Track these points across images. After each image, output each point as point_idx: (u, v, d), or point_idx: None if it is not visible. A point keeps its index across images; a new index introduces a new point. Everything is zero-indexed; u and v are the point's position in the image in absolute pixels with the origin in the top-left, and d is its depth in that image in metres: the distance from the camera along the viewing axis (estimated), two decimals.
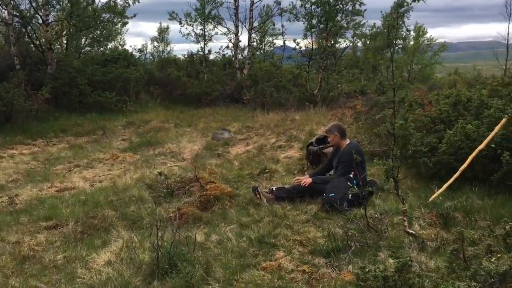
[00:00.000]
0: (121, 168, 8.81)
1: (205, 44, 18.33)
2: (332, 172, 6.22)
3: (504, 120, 4.93)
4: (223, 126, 11.80)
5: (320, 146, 7.57)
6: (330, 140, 6.06)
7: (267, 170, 7.50)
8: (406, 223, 4.10)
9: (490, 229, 3.30)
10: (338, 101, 12.58)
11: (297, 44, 15.76)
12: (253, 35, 19.01)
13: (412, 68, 33.22)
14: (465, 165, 4.95)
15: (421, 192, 5.48)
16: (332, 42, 15.05)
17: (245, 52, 19.34)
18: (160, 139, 10.96)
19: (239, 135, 10.81)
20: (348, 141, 6.05)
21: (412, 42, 33.81)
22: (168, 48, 33.04)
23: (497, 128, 4.94)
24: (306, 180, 5.94)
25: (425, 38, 35.44)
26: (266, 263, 4.10)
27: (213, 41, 18.33)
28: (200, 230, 5.08)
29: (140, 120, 13.26)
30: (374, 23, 27.29)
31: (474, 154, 4.96)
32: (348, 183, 5.55)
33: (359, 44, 26.55)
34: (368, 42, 27.64)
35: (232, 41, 18.32)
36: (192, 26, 18.27)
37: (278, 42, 21.31)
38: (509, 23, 26.24)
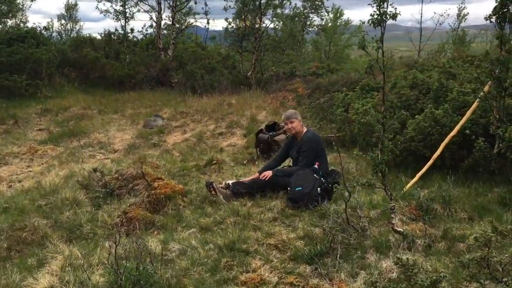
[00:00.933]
0: (42, 164, 7.73)
1: (126, 22, 16.96)
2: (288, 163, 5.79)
3: (475, 103, 4.77)
4: (154, 112, 10.92)
5: (271, 134, 7.10)
6: (293, 127, 5.54)
7: (214, 161, 6.90)
8: (394, 221, 3.76)
9: (493, 226, 3.02)
10: (273, 84, 12.17)
11: (229, 23, 15.06)
12: (177, 14, 17.92)
13: (330, 49, 33.93)
14: (438, 152, 4.73)
15: (390, 182, 5.21)
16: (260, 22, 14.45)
17: (165, 31, 18.24)
18: (85, 128, 9.85)
19: (174, 121, 10.03)
20: (305, 129, 5.61)
21: (330, 24, 34.61)
22: (78, 27, 30.47)
23: (468, 112, 4.77)
24: (266, 173, 5.44)
25: (342, 20, 36.33)
26: (245, 275, 3.57)
27: (135, 19, 16.96)
28: (155, 237, 4.41)
29: (58, 107, 11.90)
30: (296, 4, 27.33)
31: (447, 140, 4.76)
32: (315, 175, 5.16)
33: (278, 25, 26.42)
34: (291, 23, 27.63)
35: (155, 19, 17.14)
36: (111, 2, 16.78)
37: (200, 22, 20.25)
38: (422, 6, 27.49)
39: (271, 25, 20.71)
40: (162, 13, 17.03)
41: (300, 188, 5.00)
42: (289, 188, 5.15)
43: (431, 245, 3.77)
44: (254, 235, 4.29)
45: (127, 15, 16.93)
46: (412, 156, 5.34)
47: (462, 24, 32.03)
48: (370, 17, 3.50)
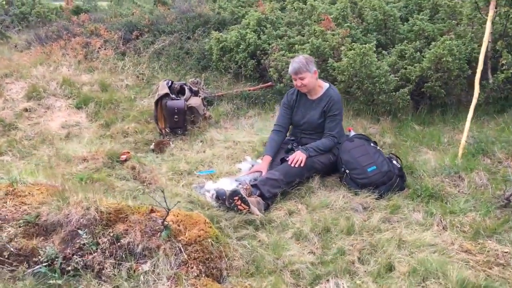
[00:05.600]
0: None
1: None
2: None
3: (489, 27, 4.34)
4: None
5: (183, 99, 4.87)
6: (304, 84, 3.81)
7: (124, 157, 4.26)
8: None
9: None
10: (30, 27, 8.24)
11: None
12: None
13: None
14: (477, 92, 4.16)
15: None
16: None
17: None
18: None
19: None
20: (324, 83, 4.01)
21: None
22: None
23: (486, 39, 4.33)
24: (296, 156, 3.67)
25: None
26: None
27: None
28: None
29: None
30: None
31: (479, 75, 4.22)
32: (372, 144, 3.84)
33: None
34: None
35: None
36: None
37: None
38: None
39: None
40: None
41: (375, 167, 3.60)
42: (348, 171, 3.65)
43: None
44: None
45: None
46: (416, 98, 4.69)
47: None
48: None
